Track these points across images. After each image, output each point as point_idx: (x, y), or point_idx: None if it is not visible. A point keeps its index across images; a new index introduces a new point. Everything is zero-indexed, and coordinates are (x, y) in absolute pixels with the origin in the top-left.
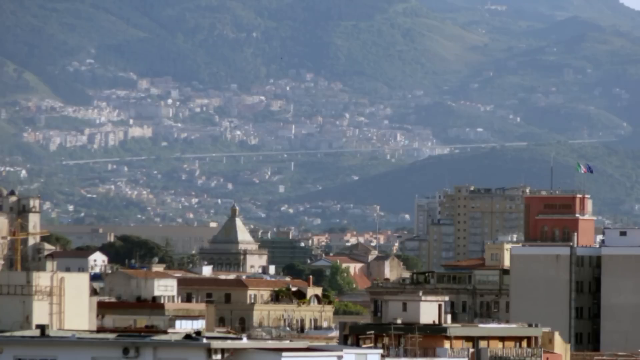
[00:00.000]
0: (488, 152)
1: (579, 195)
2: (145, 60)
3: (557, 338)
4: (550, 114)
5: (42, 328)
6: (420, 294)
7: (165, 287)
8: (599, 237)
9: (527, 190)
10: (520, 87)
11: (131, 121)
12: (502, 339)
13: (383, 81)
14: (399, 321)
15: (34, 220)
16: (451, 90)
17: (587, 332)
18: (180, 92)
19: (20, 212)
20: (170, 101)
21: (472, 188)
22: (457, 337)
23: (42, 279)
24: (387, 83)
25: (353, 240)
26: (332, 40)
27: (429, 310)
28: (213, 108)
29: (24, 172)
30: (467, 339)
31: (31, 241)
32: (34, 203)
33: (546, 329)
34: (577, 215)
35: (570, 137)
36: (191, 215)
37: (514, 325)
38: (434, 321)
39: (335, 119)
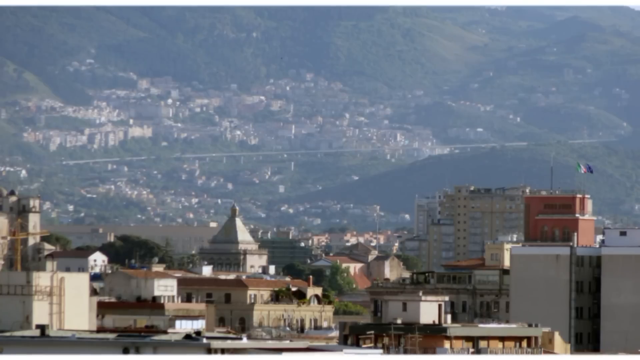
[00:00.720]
0: (488, 152)
1: (579, 195)
2: (145, 60)
3: (557, 338)
4: (550, 114)
5: (42, 328)
6: (420, 294)
7: (165, 287)
8: (599, 237)
9: (527, 190)
10: (520, 87)
11: (131, 121)
12: (502, 339)
13: (383, 81)
14: (399, 321)
15: (34, 220)
16: (451, 90)
17: (587, 332)
18: (180, 92)
19: (20, 212)
20: (170, 101)
21: (472, 188)
22: (457, 337)
23: (42, 279)
24: (387, 83)
25: (353, 240)
26: (332, 40)
27: (429, 310)
28: (213, 108)
29: (24, 172)
30: (467, 339)
31: (31, 241)
32: (34, 203)
33: (546, 329)
34: (577, 215)
35: (570, 137)
36: (191, 215)
37: (514, 325)
38: (434, 321)
39: (335, 119)
